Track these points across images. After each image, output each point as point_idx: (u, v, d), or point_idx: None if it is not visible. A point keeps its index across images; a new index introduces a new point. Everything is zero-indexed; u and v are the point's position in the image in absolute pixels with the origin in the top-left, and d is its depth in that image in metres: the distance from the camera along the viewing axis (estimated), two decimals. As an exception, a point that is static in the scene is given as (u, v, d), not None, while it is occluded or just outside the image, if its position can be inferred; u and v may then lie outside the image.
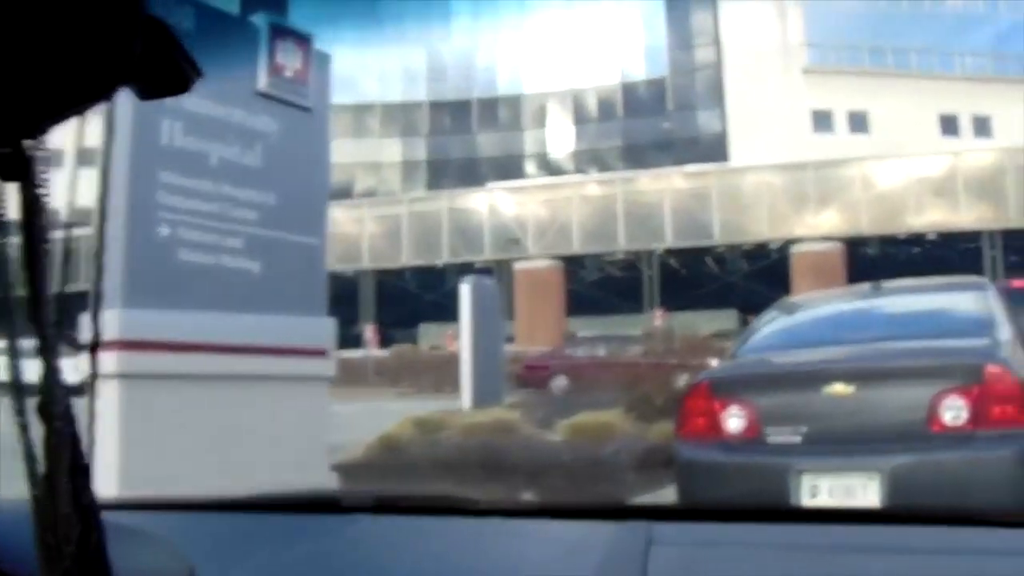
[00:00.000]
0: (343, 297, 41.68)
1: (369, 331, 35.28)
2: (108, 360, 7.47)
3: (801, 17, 54.07)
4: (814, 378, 5.36)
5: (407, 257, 40.65)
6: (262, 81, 8.77)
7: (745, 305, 43.96)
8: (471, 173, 55.71)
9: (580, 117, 59.02)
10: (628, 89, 57.84)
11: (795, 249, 34.65)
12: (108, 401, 7.44)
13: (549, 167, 56.68)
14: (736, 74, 53.28)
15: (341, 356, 33.78)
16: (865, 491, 4.85)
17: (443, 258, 39.81)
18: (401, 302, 41.10)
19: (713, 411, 5.41)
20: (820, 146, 43.25)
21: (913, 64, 53.21)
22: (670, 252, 37.26)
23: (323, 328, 9.15)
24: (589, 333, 33.90)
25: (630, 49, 57.91)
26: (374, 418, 16.05)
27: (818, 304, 7.55)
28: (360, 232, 41.81)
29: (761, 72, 52.19)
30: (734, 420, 5.31)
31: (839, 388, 5.18)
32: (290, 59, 9.03)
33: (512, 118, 59.82)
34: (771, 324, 7.08)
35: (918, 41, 52.86)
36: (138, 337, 7.46)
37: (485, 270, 39.26)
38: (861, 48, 53.75)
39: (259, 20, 8.99)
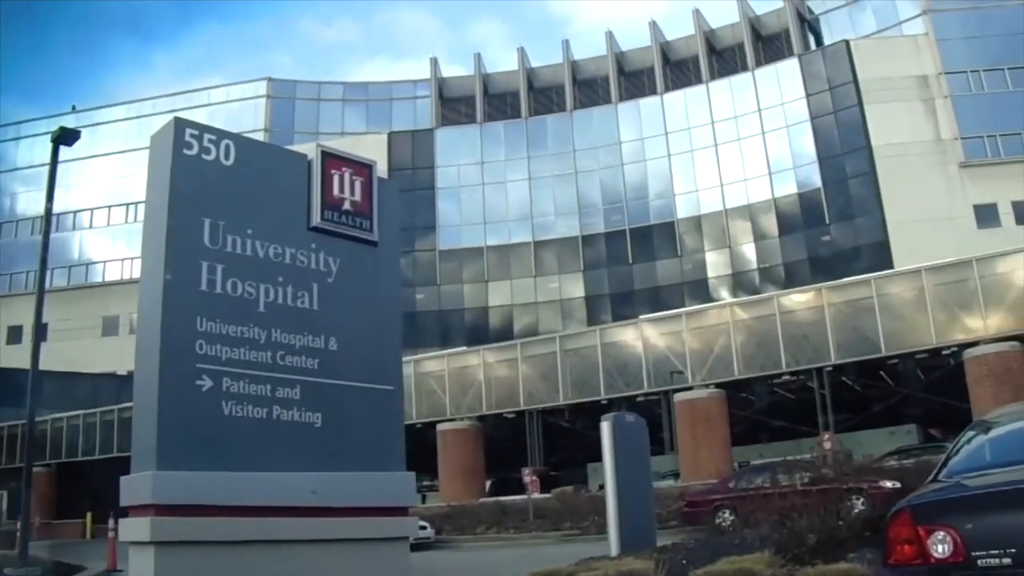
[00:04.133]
0: (511, 438, 41.76)
1: (527, 474, 34.34)
2: (139, 526, 6.76)
3: (951, 112, 52.37)
4: (1019, 498, 5.21)
5: (564, 395, 39.86)
6: (316, 215, 8.16)
7: (925, 418, 41.42)
8: (626, 305, 55.50)
9: (735, 239, 58.35)
10: (781, 205, 56.85)
11: (968, 354, 32.26)
12: (141, 571, 6.72)
13: (703, 293, 55.99)
14: (890, 177, 51.62)
15: (500, 501, 33.37)
16: None
17: (600, 394, 38.79)
18: (569, 442, 40.34)
19: (919, 538, 5.36)
20: (987, 241, 41.04)
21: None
22: (839, 368, 35.33)
23: (401, 483, 8.24)
24: (761, 462, 32.19)
25: (779, 165, 57.28)
26: (518, 565, 15.39)
27: (1018, 418, 7.34)
28: (521, 373, 41.51)
29: (916, 172, 50.51)
30: (940, 546, 5.25)
31: None
32: (348, 189, 8.42)
33: (666, 246, 59.75)
34: (970, 443, 6.97)
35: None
36: (174, 501, 6.73)
37: (646, 404, 38.40)
38: (1017, 136, 51.54)
39: (311, 149, 8.45)
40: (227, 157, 7.79)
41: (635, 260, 60.08)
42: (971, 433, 7.22)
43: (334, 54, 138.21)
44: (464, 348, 47.14)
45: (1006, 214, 49.80)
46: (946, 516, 5.39)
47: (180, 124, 7.65)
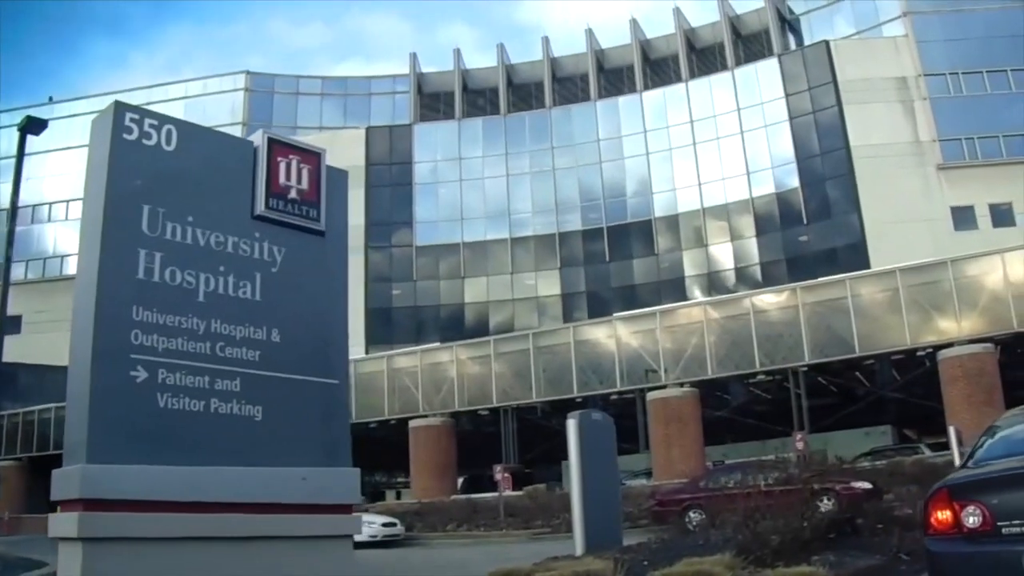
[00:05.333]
0: (486, 435, 41.56)
1: (499, 471, 34.16)
2: (67, 521, 6.55)
3: (929, 113, 52.44)
4: None
5: (537, 393, 39.66)
6: (260, 203, 7.94)
7: (901, 418, 41.42)
8: (602, 303, 55.40)
9: (712, 239, 58.34)
10: (759, 205, 56.85)
11: (943, 355, 32.23)
12: (69, 568, 6.50)
13: (680, 293, 55.92)
14: (868, 178, 51.68)
15: (471, 498, 33.12)
16: None
17: (573, 392, 38.62)
18: (544, 439, 40.13)
19: (954, 511, 6.42)
20: (964, 243, 41.05)
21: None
22: (814, 369, 35.27)
23: (345, 479, 8.02)
24: (732, 461, 32.09)
25: (757, 165, 57.27)
26: (485, 563, 15.24)
27: None
28: (494, 370, 41.31)
29: (894, 174, 50.58)
30: (972, 518, 6.32)
31: None
32: (295, 177, 8.20)
33: (643, 245, 59.68)
34: (993, 437, 8.03)
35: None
36: (103, 495, 6.51)
37: (620, 402, 38.26)
38: (995, 138, 51.66)
39: (258, 137, 8.22)
40: (169, 142, 7.58)
41: (612, 258, 59.88)
42: (993, 429, 8.30)
43: (307, 57, 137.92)
44: (437, 344, 46.87)
45: (983, 216, 49.80)
46: (977, 493, 6.43)
47: (120, 108, 7.44)
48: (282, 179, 8.10)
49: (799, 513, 13.27)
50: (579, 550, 15.89)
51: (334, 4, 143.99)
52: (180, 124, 7.80)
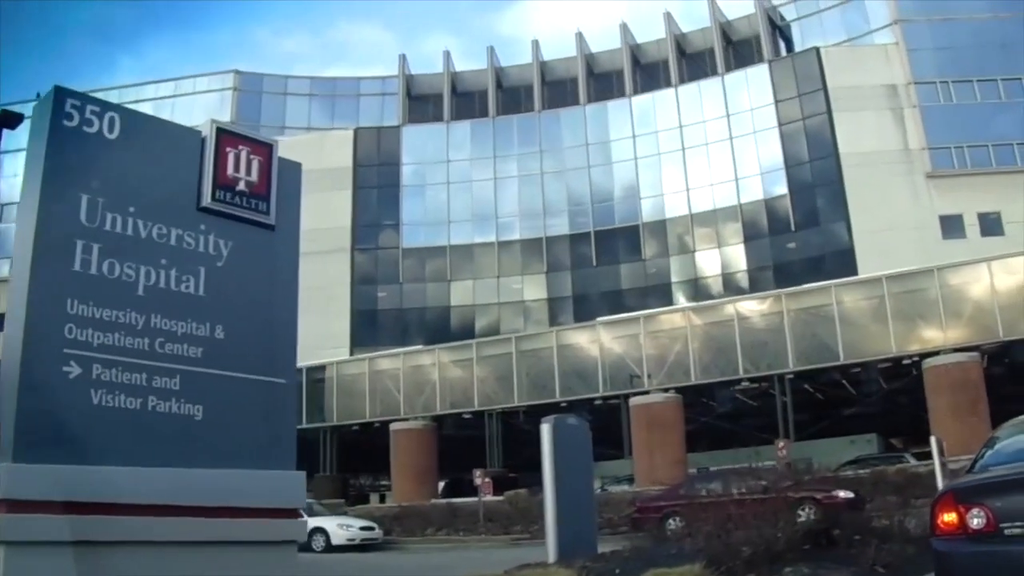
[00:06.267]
0: (470, 439, 41.28)
1: (479, 476, 33.90)
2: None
3: (919, 122, 52.31)
4: None
5: (519, 397, 39.43)
6: (207, 194, 7.65)
7: (887, 427, 41.24)
8: (588, 308, 55.15)
9: (700, 244, 58.15)
10: (747, 212, 56.68)
11: (928, 363, 32.07)
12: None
13: (667, 298, 55.67)
14: (857, 186, 51.52)
15: (452, 502, 32.89)
16: None
17: (556, 396, 38.37)
18: (529, 444, 39.89)
19: (959, 514, 6.71)
20: (952, 252, 40.85)
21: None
22: (799, 376, 35.09)
23: (289, 483, 7.70)
24: (714, 469, 31.88)
25: (746, 171, 57.10)
26: (462, 568, 14.92)
27: None
28: (476, 373, 41.09)
29: (883, 181, 50.42)
30: (976, 519, 6.60)
31: None
32: (244, 169, 7.91)
33: (630, 250, 59.46)
34: (995, 446, 8.45)
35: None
36: (29, 496, 6.20)
37: (605, 408, 38.05)
38: (985, 147, 51.55)
39: (207, 127, 7.93)
40: (112, 130, 7.30)
41: (599, 263, 59.61)
42: (993, 440, 8.75)
43: (291, 64, 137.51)
44: (420, 347, 46.58)
45: (971, 225, 49.64)
46: (981, 496, 6.75)
47: (61, 93, 7.16)
48: (230, 170, 7.81)
49: (773, 523, 13.02)
50: (551, 557, 15.61)
51: (318, 14, 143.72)
52: (124, 111, 7.52)
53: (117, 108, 7.44)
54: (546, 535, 16.59)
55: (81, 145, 7.11)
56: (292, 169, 8.43)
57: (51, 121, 7.00)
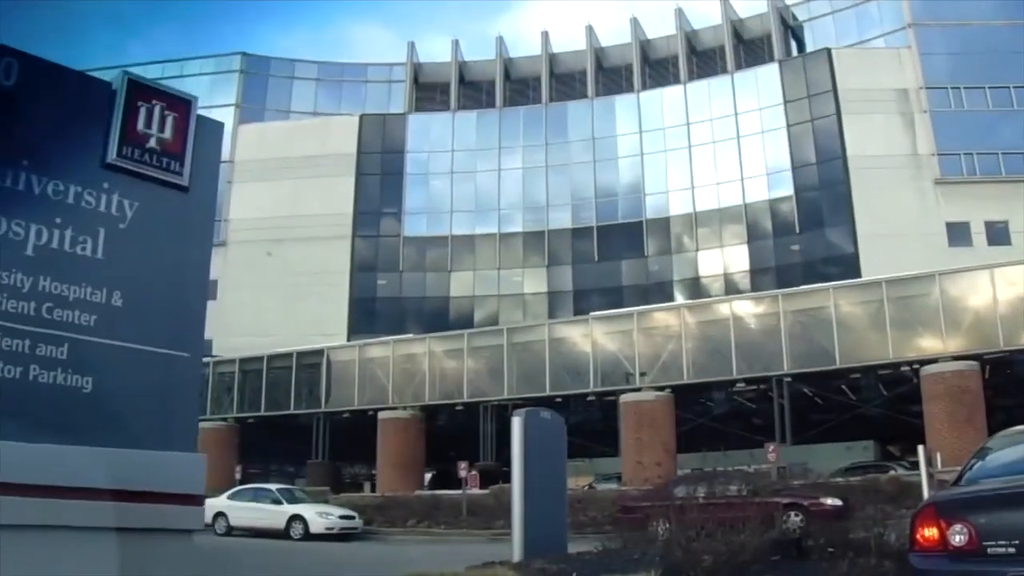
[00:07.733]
0: (463, 431, 40.77)
1: (463, 468, 33.43)
2: None
3: (929, 127, 51.61)
4: (1021, 500, 6.33)
5: (509, 390, 38.88)
6: (112, 150, 7.03)
7: (884, 434, 40.59)
8: (588, 303, 54.58)
9: (703, 243, 57.58)
10: (751, 212, 56.07)
11: (926, 371, 31.44)
12: None
13: (667, 296, 55.10)
14: (864, 189, 50.86)
15: (435, 494, 32.44)
16: None
17: (546, 390, 37.81)
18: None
19: (940, 529, 6.38)
20: (958, 260, 40.14)
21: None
22: (796, 379, 34.47)
23: (187, 465, 7.06)
24: (707, 470, 31.30)
25: (752, 171, 56.49)
26: (435, 562, 14.54)
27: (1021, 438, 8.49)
28: (467, 364, 40.58)
29: (890, 186, 49.76)
30: (958, 536, 6.25)
31: None
32: (157, 125, 7.30)
33: (632, 246, 58.91)
34: (984, 458, 8.13)
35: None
36: None
37: (598, 404, 37.54)
38: (995, 155, 50.85)
39: (116, 77, 7.31)
40: (8, 77, 6.67)
41: (600, 259, 59.10)
42: (984, 451, 8.49)
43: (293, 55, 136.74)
44: (410, 336, 46.01)
45: (978, 233, 49.06)
46: (964, 511, 6.43)
47: (-48, 34, 6.55)
48: (141, 126, 7.16)
49: (740, 531, 12.46)
50: (516, 555, 15.19)
51: (320, 13, 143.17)
52: (25, 58, 6.89)
53: (16, 54, 6.83)
54: (512, 533, 16.10)
55: (-30, 91, 6.52)
56: (213, 129, 7.80)
57: (-62, 66, 6.42)
